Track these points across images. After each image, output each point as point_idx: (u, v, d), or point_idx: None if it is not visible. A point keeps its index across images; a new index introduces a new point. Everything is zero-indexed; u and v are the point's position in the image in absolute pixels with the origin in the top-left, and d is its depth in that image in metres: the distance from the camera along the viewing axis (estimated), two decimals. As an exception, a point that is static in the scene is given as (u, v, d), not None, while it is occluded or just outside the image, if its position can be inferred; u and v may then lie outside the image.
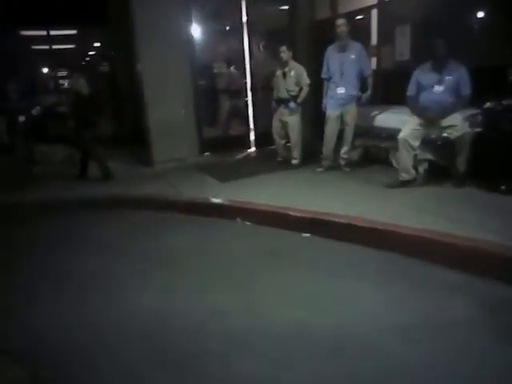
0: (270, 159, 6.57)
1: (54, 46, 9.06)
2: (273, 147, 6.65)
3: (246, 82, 7.52)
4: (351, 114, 5.27)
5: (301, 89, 5.84)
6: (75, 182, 6.33)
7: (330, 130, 5.39)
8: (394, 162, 5.25)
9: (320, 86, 5.66)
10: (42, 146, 7.16)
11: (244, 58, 7.46)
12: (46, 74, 9.56)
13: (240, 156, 7.15)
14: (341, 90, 5.19)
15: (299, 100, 5.86)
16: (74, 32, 9.17)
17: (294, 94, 5.87)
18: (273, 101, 6.18)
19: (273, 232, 4.07)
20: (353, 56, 5.14)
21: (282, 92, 5.96)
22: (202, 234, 4.19)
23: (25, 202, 5.52)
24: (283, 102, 5.97)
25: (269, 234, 4.04)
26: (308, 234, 3.92)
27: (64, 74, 10.39)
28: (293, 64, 5.91)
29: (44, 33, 8.52)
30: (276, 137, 6.22)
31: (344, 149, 5.47)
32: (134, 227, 4.58)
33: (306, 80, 5.81)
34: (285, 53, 5.86)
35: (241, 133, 7.68)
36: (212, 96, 7.69)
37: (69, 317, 2.80)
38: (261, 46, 7.80)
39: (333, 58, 5.24)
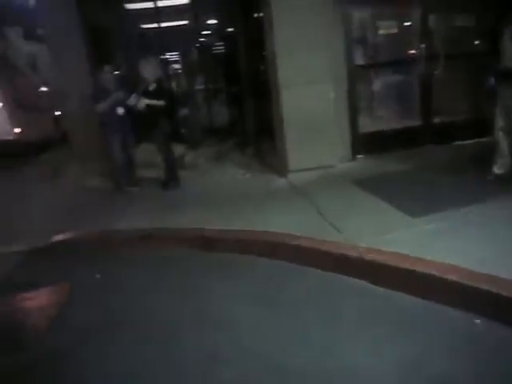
0: (471, 168, 4.14)
1: (163, 24, 7.53)
2: (460, 143, 4.56)
3: (421, 49, 5.05)
4: None
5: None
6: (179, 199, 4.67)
7: None
8: None
9: None
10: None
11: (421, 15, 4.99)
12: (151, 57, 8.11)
13: (415, 160, 4.73)
14: None
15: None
16: (184, 2, 7.53)
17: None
18: (491, 76, 3.69)
19: None
20: None
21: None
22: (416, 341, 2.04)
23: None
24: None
25: None
26: None
27: (173, 57, 8.95)
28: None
29: (151, 5, 7.00)
30: (500, 134, 3.73)
31: None
32: (283, 303, 2.62)
33: None
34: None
35: (411, 124, 5.25)
36: (371, 73, 5.33)
37: None
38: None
39: None
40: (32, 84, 9.73)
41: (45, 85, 9.92)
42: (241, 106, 7.23)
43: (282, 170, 4.96)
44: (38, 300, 2.93)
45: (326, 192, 4.16)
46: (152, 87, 4.94)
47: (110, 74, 5.09)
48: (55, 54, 5.88)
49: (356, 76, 4.89)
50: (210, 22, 8.85)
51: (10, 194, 5.71)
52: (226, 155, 6.09)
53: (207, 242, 3.61)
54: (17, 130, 8.62)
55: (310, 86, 4.59)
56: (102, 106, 4.95)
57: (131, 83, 6.14)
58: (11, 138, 8.56)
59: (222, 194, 4.69)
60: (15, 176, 7.04)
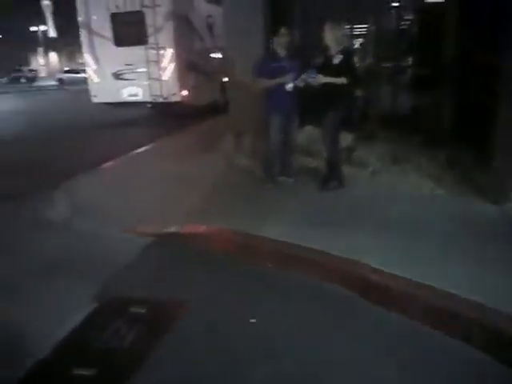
0: None
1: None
2: None
3: None
4: None
5: None
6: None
7: None
8: None
9: None
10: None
11: None
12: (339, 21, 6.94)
13: None
14: None
15: None
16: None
17: None
18: None
19: None
20: None
21: None
22: None
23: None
24: None
25: None
26: None
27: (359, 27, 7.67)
28: None
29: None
30: None
31: None
32: None
33: None
34: None
35: None
36: None
37: None
38: None
39: None
40: (206, 47, 9.55)
41: (218, 49, 9.66)
42: (434, 95, 5.62)
43: (496, 194, 3.41)
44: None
45: None
46: (337, 59, 3.83)
47: (286, 39, 4.12)
48: (231, 17, 5.22)
49: None
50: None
51: (158, 160, 5.39)
52: (408, 157, 4.69)
53: (374, 289, 2.42)
54: (184, 93, 8.50)
55: None
56: (269, 82, 4.06)
57: (308, 53, 5.19)
58: (178, 99, 8.48)
59: (398, 213, 3.41)
60: (168, 141, 6.85)
